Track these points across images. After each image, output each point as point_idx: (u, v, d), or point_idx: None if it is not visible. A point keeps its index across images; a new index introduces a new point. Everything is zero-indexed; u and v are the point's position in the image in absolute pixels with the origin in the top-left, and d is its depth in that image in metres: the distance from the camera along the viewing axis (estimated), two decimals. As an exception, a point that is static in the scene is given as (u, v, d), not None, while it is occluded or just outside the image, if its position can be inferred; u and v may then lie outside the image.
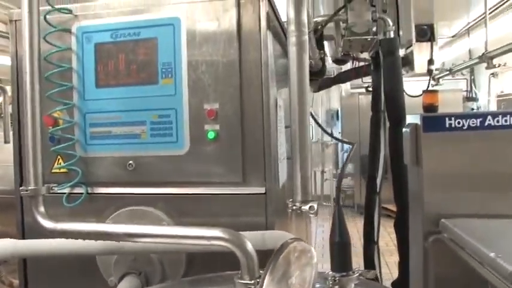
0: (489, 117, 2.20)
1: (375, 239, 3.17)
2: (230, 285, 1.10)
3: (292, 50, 1.45)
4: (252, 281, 1.03)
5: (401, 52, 2.86)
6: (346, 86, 8.98)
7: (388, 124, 2.75)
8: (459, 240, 1.91)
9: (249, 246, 1.07)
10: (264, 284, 0.95)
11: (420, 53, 3.01)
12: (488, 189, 2.17)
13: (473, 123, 2.19)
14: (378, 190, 3.20)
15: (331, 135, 5.01)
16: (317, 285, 1.15)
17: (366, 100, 6.82)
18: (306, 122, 1.46)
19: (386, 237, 5.73)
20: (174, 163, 1.68)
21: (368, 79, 4.30)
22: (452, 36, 8.42)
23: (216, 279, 1.30)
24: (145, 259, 1.62)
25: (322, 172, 8.41)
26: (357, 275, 1.16)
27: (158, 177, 1.70)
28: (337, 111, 9.70)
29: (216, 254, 1.24)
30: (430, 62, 3.08)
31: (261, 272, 1.02)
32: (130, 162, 1.70)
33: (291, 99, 1.46)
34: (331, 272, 1.18)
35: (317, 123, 3.04)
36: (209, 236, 1.13)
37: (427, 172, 2.22)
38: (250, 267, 1.05)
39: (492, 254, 1.59)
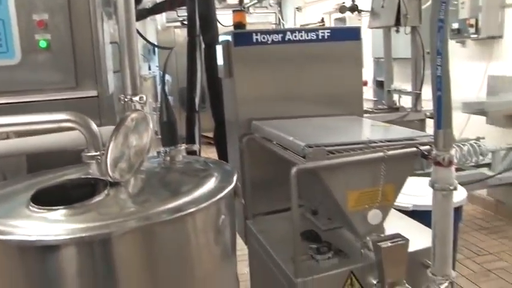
0: (288, 33, 2.58)
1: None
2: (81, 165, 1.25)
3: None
4: (98, 153, 1.21)
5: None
6: (162, 20, 9.06)
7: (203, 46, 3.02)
8: (267, 135, 2.28)
9: (93, 126, 1.23)
10: (109, 151, 1.13)
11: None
12: (289, 96, 2.59)
13: (276, 38, 2.55)
14: (196, 109, 3.49)
15: (148, 41, 5.06)
16: (153, 160, 1.37)
17: (182, 33, 7.00)
18: (132, 32, 1.61)
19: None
20: (6, 73, 1.71)
21: (183, 13, 4.49)
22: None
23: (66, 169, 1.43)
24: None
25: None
26: (184, 147, 1.40)
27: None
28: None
29: (56, 158, 1.36)
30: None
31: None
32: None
33: (118, 15, 1.59)
34: (162, 148, 1.40)
35: (141, 35, 3.15)
36: (57, 119, 1.25)
37: (239, 82, 2.54)
38: (95, 144, 1.22)
39: (291, 138, 1.98)
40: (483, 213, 4.59)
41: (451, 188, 1.90)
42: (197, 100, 3.47)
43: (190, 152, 1.61)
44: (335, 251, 2.05)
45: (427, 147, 2.00)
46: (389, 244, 1.84)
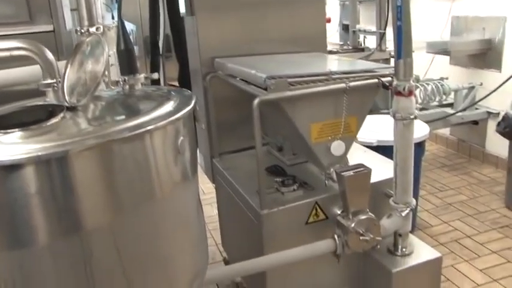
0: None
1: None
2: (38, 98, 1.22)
3: None
4: (54, 80, 1.18)
5: None
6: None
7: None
8: (230, 71, 2.27)
9: (48, 53, 1.19)
10: (66, 76, 1.11)
11: None
12: (252, 34, 2.56)
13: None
14: (160, 53, 3.42)
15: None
16: (112, 88, 1.35)
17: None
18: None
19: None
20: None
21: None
22: None
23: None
24: None
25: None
26: (143, 75, 1.38)
27: None
28: (115, -7, 9.42)
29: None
30: None
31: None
32: None
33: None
34: (121, 76, 1.38)
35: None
36: (9, 47, 1.21)
37: (201, 19, 2.49)
38: (51, 71, 1.19)
39: (253, 71, 1.97)
40: (446, 151, 4.72)
41: (412, 117, 1.94)
42: (161, 44, 3.40)
43: (154, 82, 1.59)
44: (300, 183, 2.09)
45: (388, 78, 2.03)
46: (352, 173, 1.88)
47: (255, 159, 1.91)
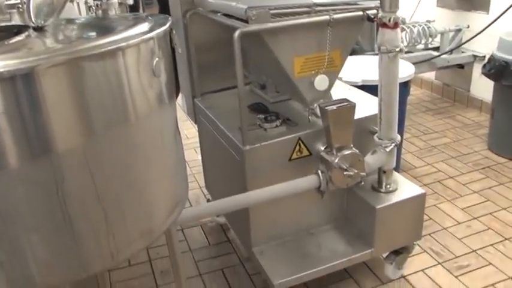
0: None
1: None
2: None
3: None
4: (19, 0, 1.10)
5: None
6: None
7: None
8: (211, 6, 2.18)
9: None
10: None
11: None
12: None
13: None
14: None
15: None
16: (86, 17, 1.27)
17: None
18: None
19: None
20: None
21: None
22: None
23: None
24: None
25: None
26: (118, 0, 1.31)
27: None
28: None
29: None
30: None
31: None
32: None
33: None
34: (94, 1, 1.30)
35: None
36: None
37: (180, -48, 2.37)
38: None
39: (234, 3, 1.89)
40: (431, 96, 4.70)
41: (397, 49, 1.89)
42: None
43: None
44: (283, 119, 2.05)
45: (374, 11, 1.96)
46: (336, 108, 1.84)
47: (237, 98, 1.86)
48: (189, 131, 4.03)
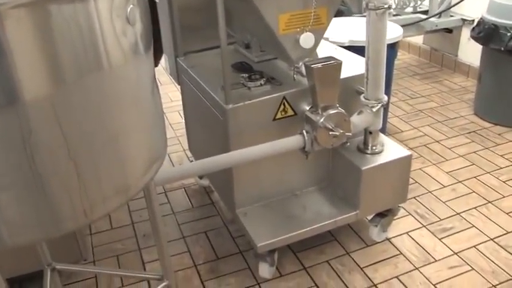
0: None
1: None
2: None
3: None
4: None
5: None
6: None
7: None
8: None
9: None
10: None
11: None
12: None
13: None
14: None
15: None
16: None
17: None
18: None
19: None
20: None
21: None
22: None
23: None
24: None
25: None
26: None
27: None
28: None
29: None
30: None
31: None
32: None
33: None
34: None
35: None
36: None
37: None
38: None
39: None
40: (418, 61, 4.65)
41: (386, 6, 1.83)
42: None
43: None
44: (267, 78, 1.99)
45: (363, -34, 1.89)
46: (322, 65, 1.79)
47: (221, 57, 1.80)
48: (174, 94, 3.95)
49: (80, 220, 1.02)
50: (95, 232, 2.48)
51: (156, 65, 2.70)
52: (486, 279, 2.06)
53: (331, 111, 1.84)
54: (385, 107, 3.13)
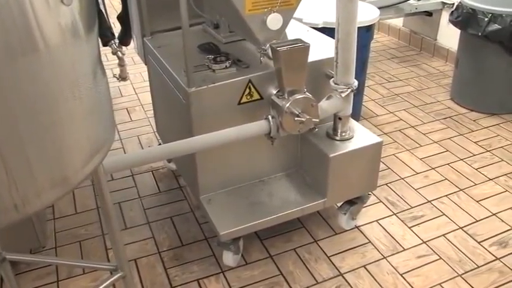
0: None
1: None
2: None
3: None
4: None
5: None
6: None
7: None
8: None
9: None
10: None
11: None
12: None
13: None
14: None
15: None
16: None
17: None
18: None
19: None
20: None
21: None
22: None
23: None
24: None
25: None
26: None
27: None
28: None
29: None
30: None
31: None
32: None
33: None
34: None
35: None
36: None
37: None
38: None
39: None
40: (397, 43, 4.59)
41: (357, -14, 1.75)
42: None
43: None
44: (233, 60, 1.91)
45: None
46: (289, 48, 1.71)
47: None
48: (146, 74, 3.83)
49: (10, 215, 0.94)
50: (58, 217, 2.41)
51: (127, 43, 2.61)
52: (453, 268, 2.04)
53: (298, 96, 1.77)
54: (361, 91, 3.08)
